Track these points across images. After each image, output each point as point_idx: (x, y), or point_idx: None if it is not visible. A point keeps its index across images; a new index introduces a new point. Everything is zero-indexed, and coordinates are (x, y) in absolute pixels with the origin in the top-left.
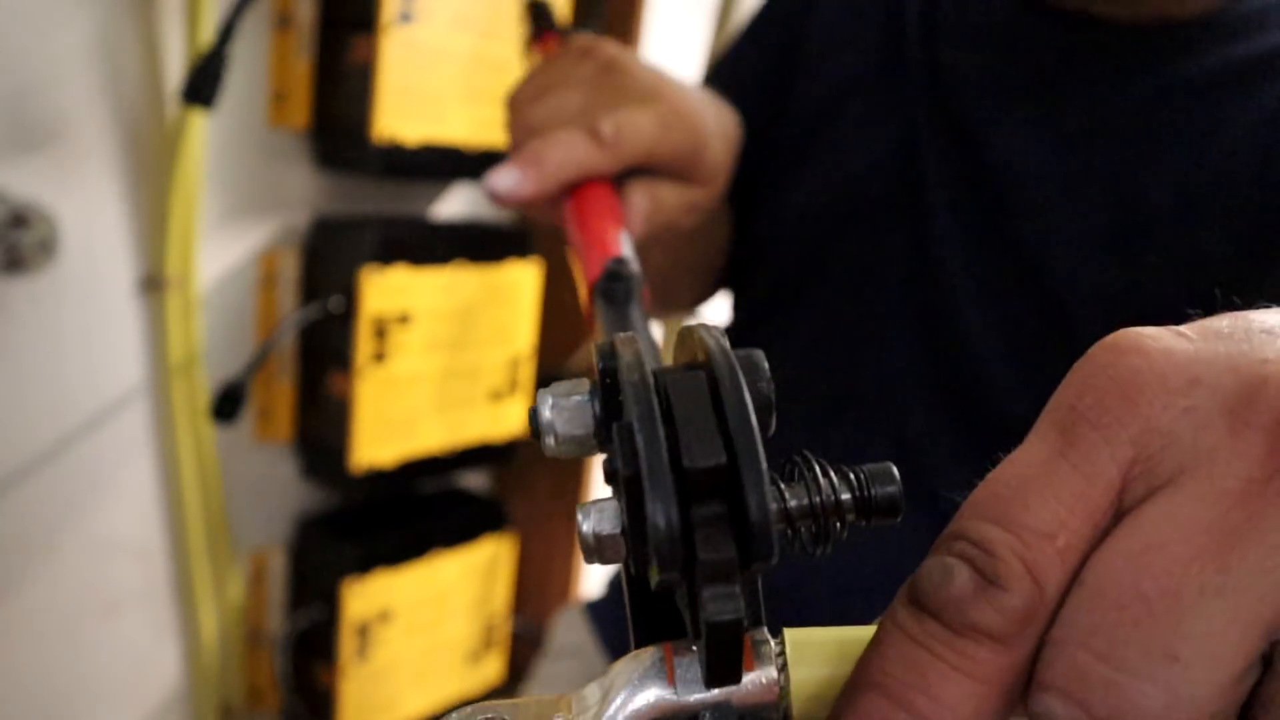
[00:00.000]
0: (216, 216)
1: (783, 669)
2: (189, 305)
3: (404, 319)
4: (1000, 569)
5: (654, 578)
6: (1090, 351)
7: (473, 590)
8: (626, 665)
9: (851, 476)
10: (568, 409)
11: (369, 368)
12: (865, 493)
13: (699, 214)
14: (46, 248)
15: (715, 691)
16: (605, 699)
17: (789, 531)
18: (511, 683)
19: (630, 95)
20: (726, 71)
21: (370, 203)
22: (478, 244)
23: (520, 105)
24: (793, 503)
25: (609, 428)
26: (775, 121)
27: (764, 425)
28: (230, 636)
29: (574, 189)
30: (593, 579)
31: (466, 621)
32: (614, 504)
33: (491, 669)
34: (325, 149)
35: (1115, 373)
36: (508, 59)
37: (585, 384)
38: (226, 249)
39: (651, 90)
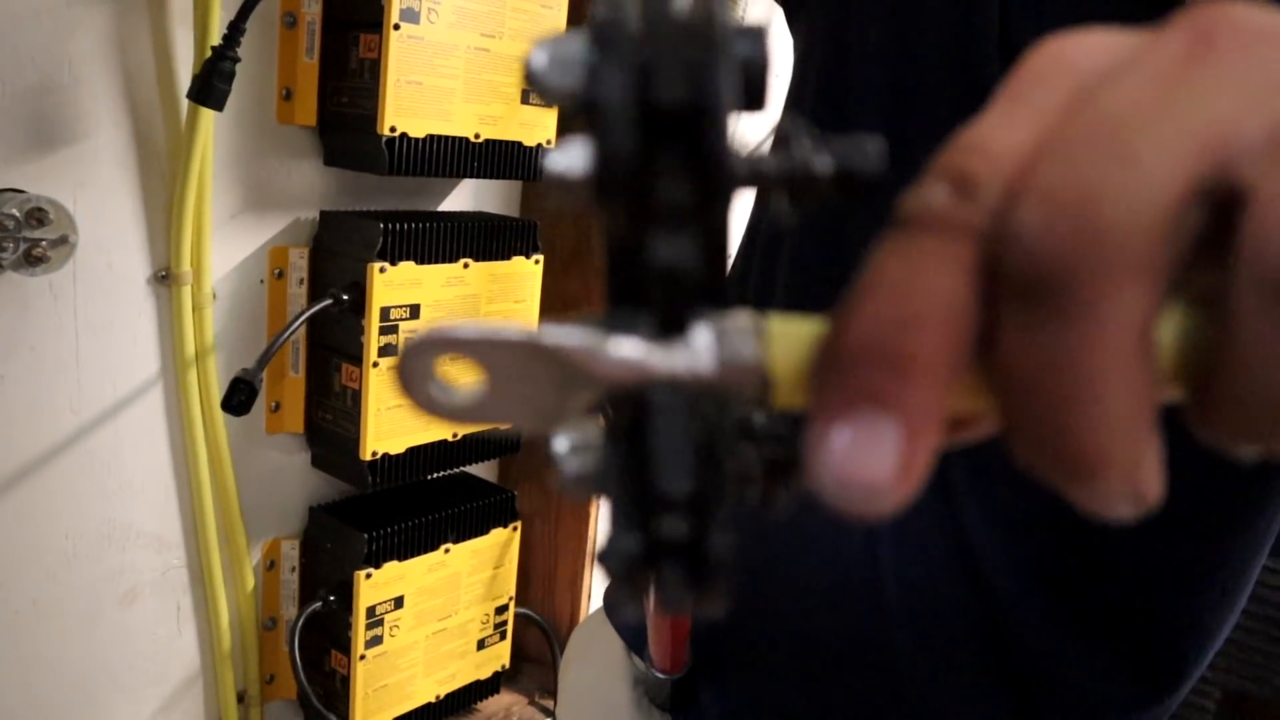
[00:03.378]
0: (228, 213)
1: (764, 348)
2: (201, 300)
3: (411, 312)
4: (970, 178)
5: (606, 226)
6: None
7: (482, 578)
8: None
9: (836, 143)
10: (560, 59)
11: (378, 360)
12: (845, 162)
13: None
14: (64, 244)
15: (677, 357)
16: None
17: (762, 191)
18: (520, 669)
19: None
20: None
21: (377, 198)
22: (484, 238)
23: None
24: (768, 162)
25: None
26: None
27: (755, 87)
28: (246, 623)
29: None
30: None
31: (476, 608)
32: (584, 141)
33: (501, 655)
34: (333, 146)
35: (1049, 47)
36: (512, 56)
37: (578, 35)
38: (238, 245)
39: None
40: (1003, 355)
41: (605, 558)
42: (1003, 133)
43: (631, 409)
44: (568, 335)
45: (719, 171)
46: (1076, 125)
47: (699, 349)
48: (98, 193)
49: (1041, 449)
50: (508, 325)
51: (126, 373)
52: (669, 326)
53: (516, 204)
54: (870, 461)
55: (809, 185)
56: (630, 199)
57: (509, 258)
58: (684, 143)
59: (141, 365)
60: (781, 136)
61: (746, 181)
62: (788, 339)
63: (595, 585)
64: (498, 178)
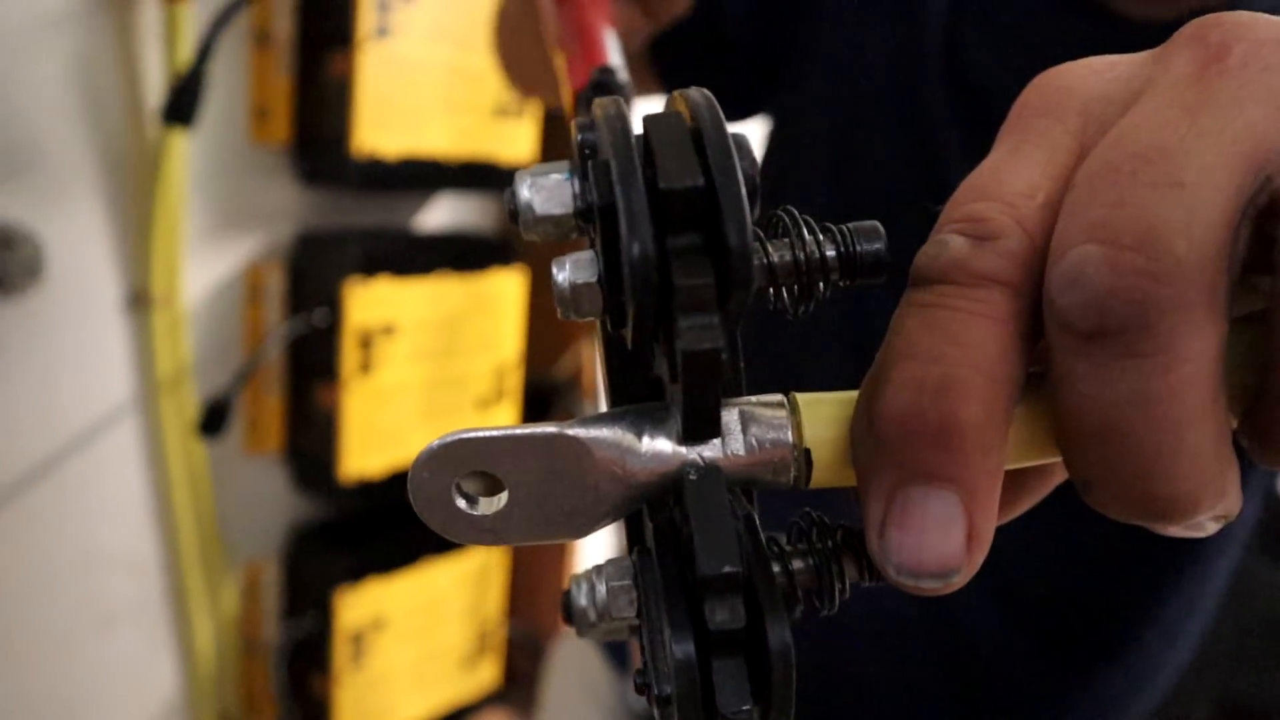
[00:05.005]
0: (201, 233)
1: (796, 428)
2: (176, 322)
3: (389, 330)
4: (991, 226)
5: (630, 322)
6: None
7: (466, 596)
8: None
9: (837, 233)
10: (546, 187)
11: (355, 379)
12: (850, 249)
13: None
14: (32, 270)
15: (709, 448)
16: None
17: (771, 289)
18: (508, 688)
19: None
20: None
21: (353, 216)
22: (461, 253)
23: None
24: (775, 256)
25: (589, 208)
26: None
27: (749, 194)
28: (226, 648)
29: None
30: None
31: (460, 628)
32: (589, 253)
33: (486, 674)
34: (307, 164)
35: (1048, 80)
36: (485, 70)
37: (565, 163)
38: (212, 265)
39: None
40: (1071, 405)
41: (650, 686)
42: (1015, 174)
43: (667, 503)
44: (597, 431)
45: (743, 253)
46: (1111, 156)
47: (731, 436)
48: (68, 215)
49: (1130, 496)
50: (530, 427)
51: (100, 396)
52: (698, 415)
53: (494, 217)
54: (936, 543)
55: (820, 274)
56: (651, 286)
57: (487, 272)
58: (703, 235)
59: (115, 388)
60: (777, 224)
61: (763, 269)
62: (819, 415)
63: None
64: (474, 191)
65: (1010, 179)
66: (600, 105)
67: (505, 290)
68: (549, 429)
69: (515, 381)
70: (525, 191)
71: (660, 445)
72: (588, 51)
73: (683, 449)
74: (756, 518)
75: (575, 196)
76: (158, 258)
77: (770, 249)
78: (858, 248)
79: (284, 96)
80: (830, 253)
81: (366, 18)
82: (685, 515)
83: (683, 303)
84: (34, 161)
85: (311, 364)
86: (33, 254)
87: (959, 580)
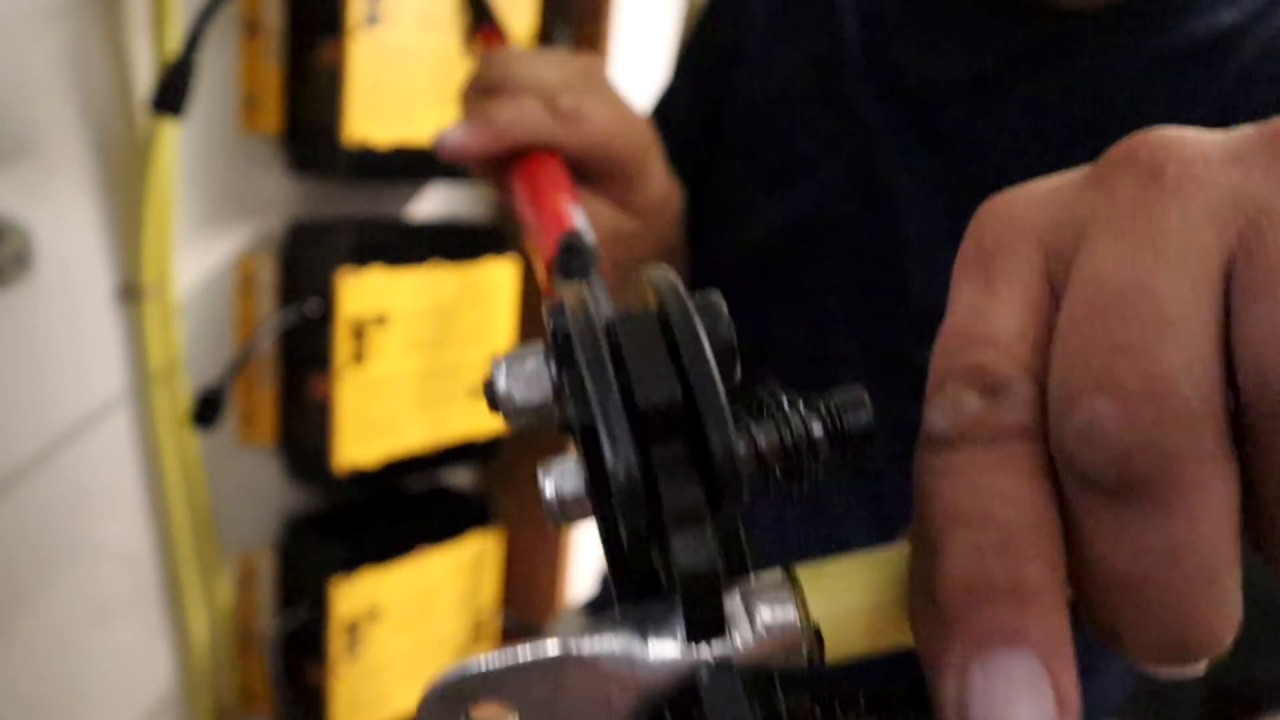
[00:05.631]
0: (192, 223)
1: (801, 606)
2: (167, 312)
3: (382, 319)
4: (998, 376)
5: (624, 533)
6: (969, 225)
7: (461, 586)
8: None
9: (821, 406)
10: (523, 375)
11: (348, 369)
12: (838, 424)
13: (628, 249)
14: (21, 261)
15: (712, 647)
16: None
17: (762, 472)
18: None
19: (596, 88)
20: (664, 109)
21: (344, 205)
22: (453, 243)
23: (482, 69)
24: (762, 440)
25: (567, 422)
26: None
27: (726, 368)
28: (221, 639)
29: (523, 158)
30: (582, 571)
31: (455, 617)
32: (573, 462)
33: None
34: (297, 153)
35: (994, 213)
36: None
37: (539, 346)
38: (203, 255)
39: (617, 94)
40: (1096, 558)
41: None
42: (997, 316)
43: (681, 706)
44: (602, 644)
45: (729, 465)
46: (1094, 297)
47: (737, 625)
48: (56, 206)
49: (1162, 644)
50: (534, 648)
51: (91, 388)
52: (702, 625)
53: (487, 206)
54: (1027, 710)
55: (811, 455)
56: (640, 509)
57: (480, 261)
58: (686, 442)
59: (106, 380)
60: (757, 404)
61: (750, 459)
62: (824, 588)
63: (576, 590)
64: (466, 180)
65: (995, 322)
66: (568, 296)
67: (498, 279)
68: (553, 651)
69: None
70: (502, 381)
71: (668, 649)
72: (551, 219)
73: (691, 648)
74: (782, 705)
75: (553, 382)
76: (148, 248)
77: (755, 433)
78: (845, 422)
79: (274, 85)
80: (818, 430)
81: (356, 6)
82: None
83: (674, 519)
84: (22, 151)
85: (304, 354)
86: (21, 245)
87: None
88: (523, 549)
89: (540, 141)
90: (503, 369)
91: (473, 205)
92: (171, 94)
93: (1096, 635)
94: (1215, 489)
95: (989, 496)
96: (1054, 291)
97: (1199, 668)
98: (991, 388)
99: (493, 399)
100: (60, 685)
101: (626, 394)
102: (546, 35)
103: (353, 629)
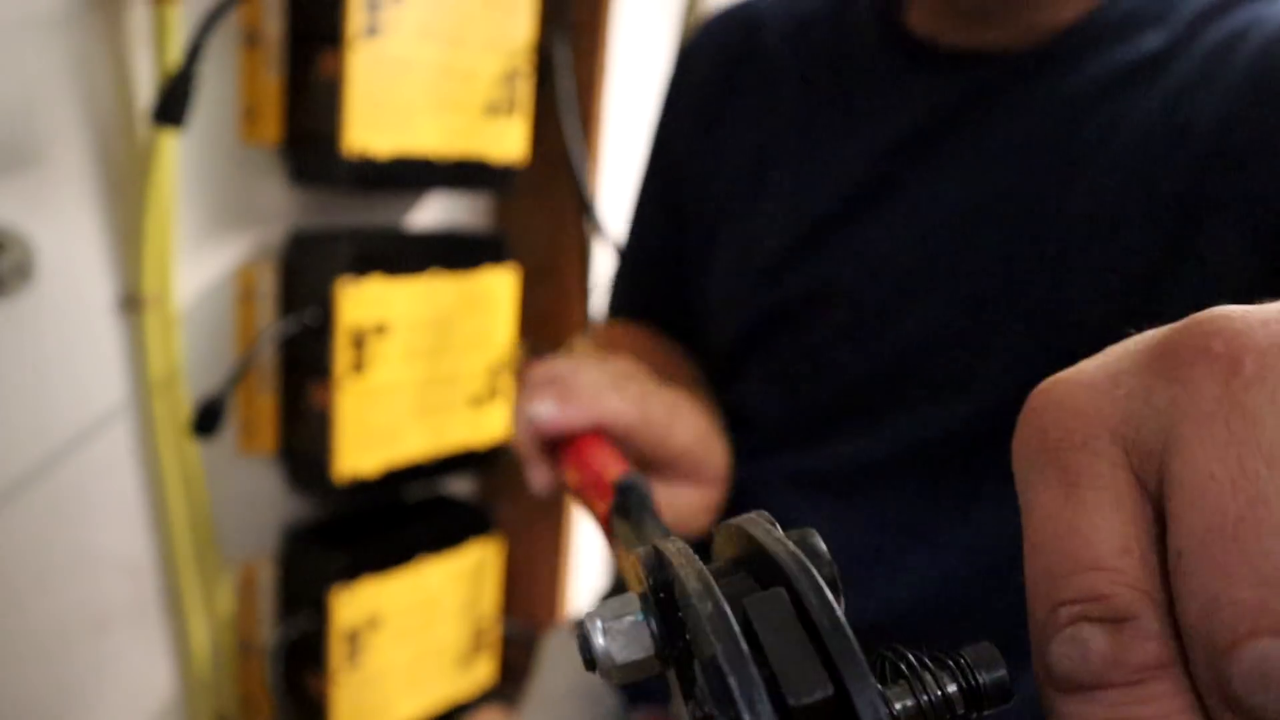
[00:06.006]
0: (192, 234)
1: None
2: (168, 322)
3: (381, 329)
4: (1117, 604)
5: None
6: (1022, 414)
7: (461, 594)
8: None
9: (952, 664)
10: (622, 633)
11: (348, 378)
12: (972, 681)
13: (713, 514)
14: (23, 271)
15: None
16: None
17: None
18: (504, 685)
19: (656, 393)
20: (637, 234)
21: (344, 215)
22: (452, 252)
23: (544, 368)
24: (898, 706)
25: (671, 645)
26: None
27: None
28: (222, 648)
29: (572, 441)
30: (583, 579)
31: (456, 626)
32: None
33: (482, 672)
34: (298, 164)
35: (1055, 405)
36: (475, 68)
37: (634, 601)
38: (203, 266)
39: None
40: None
41: None
42: (1095, 530)
43: None
44: None
45: None
46: (1214, 521)
47: None
48: (58, 217)
49: None
50: None
51: (92, 398)
52: None
53: (486, 215)
54: None
55: (947, 714)
56: None
57: (479, 270)
58: None
59: (108, 389)
60: (886, 664)
61: None
62: None
63: (576, 598)
64: (465, 190)
65: (1095, 538)
66: (675, 555)
67: (497, 288)
68: None
69: (509, 379)
70: (600, 639)
71: None
72: (604, 470)
73: None
74: None
75: (654, 638)
76: (149, 258)
77: (892, 699)
78: (980, 679)
79: (274, 96)
80: (952, 689)
81: (356, 17)
82: None
83: None
84: (24, 162)
85: (304, 364)
86: (23, 255)
87: None
88: (523, 557)
89: (611, 425)
90: (598, 625)
91: (471, 215)
92: (172, 105)
93: None
94: None
95: None
96: (1147, 496)
97: None
98: (1113, 618)
99: (589, 656)
100: (61, 693)
101: (770, 685)
102: (544, 45)
103: (353, 638)
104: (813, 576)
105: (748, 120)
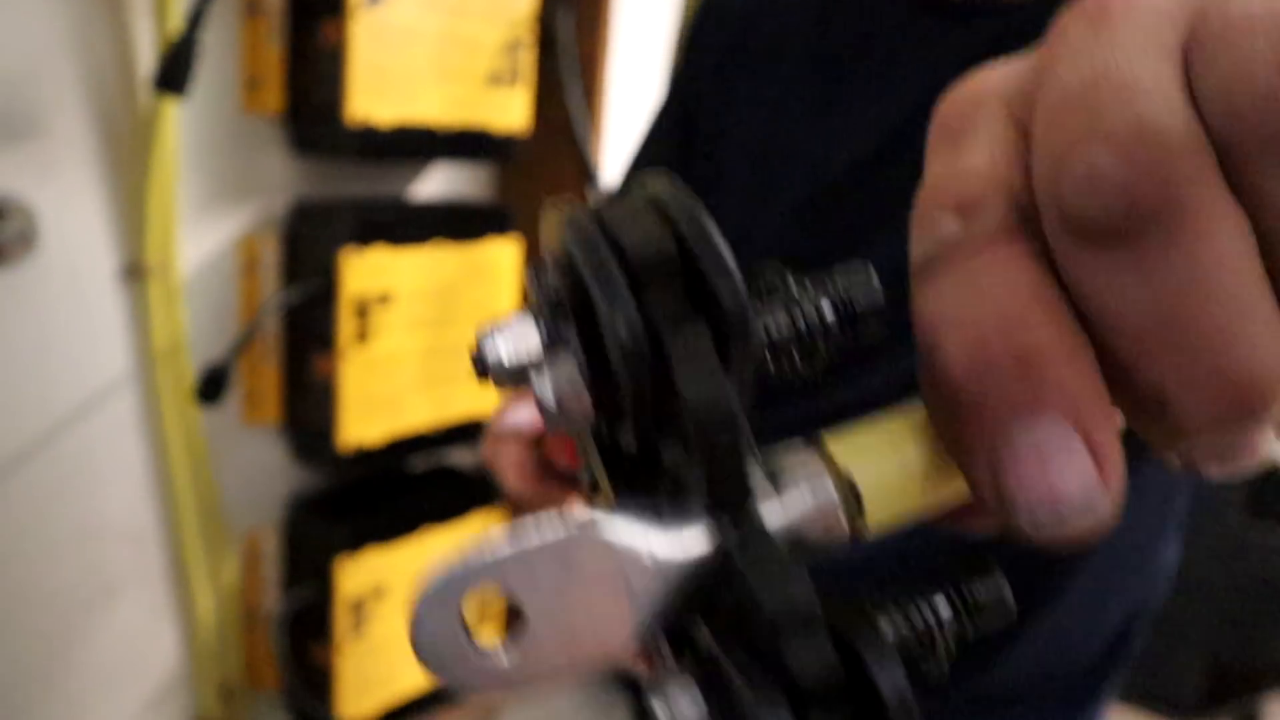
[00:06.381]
0: (195, 203)
1: (832, 466)
2: (171, 292)
3: (385, 299)
4: (970, 197)
5: (628, 409)
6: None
7: None
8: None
9: (829, 284)
10: (510, 333)
11: (352, 348)
12: (847, 302)
13: None
14: (26, 240)
15: (740, 515)
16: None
17: (774, 354)
18: None
19: None
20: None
21: (347, 185)
22: (456, 222)
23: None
24: (769, 319)
25: (559, 303)
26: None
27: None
28: (227, 618)
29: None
30: None
31: None
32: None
33: (485, 643)
34: (300, 133)
35: (955, 95)
36: (478, 37)
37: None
38: (206, 235)
39: None
40: (1120, 315)
41: None
42: (968, 161)
43: (712, 589)
44: (617, 523)
45: (738, 314)
46: (1066, 83)
47: (764, 499)
48: (60, 186)
49: (1213, 386)
50: (540, 533)
51: (96, 367)
52: (723, 477)
53: (489, 186)
54: (1062, 467)
55: (820, 331)
56: (642, 359)
57: (483, 240)
58: (686, 297)
59: (112, 360)
60: (759, 285)
61: (764, 344)
62: (855, 447)
63: None
64: (468, 160)
65: (965, 165)
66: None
67: (501, 258)
68: (561, 533)
69: None
70: (490, 343)
71: (691, 525)
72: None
73: (715, 523)
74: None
75: (543, 337)
76: (152, 228)
77: (763, 314)
78: (854, 299)
79: (276, 66)
80: (826, 306)
81: None
82: (742, 582)
83: (681, 360)
84: (26, 131)
85: (308, 334)
86: (26, 224)
87: (1107, 510)
88: None
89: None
90: (490, 334)
91: (475, 185)
92: (174, 73)
93: (1147, 415)
94: (1222, 212)
95: (981, 293)
96: (1025, 135)
97: (1262, 448)
98: (965, 208)
99: (481, 365)
100: (67, 663)
101: (620, 256)
102: (547, 14)
103: (358, 608)
104: (668, 180)
105: (765, 75)
